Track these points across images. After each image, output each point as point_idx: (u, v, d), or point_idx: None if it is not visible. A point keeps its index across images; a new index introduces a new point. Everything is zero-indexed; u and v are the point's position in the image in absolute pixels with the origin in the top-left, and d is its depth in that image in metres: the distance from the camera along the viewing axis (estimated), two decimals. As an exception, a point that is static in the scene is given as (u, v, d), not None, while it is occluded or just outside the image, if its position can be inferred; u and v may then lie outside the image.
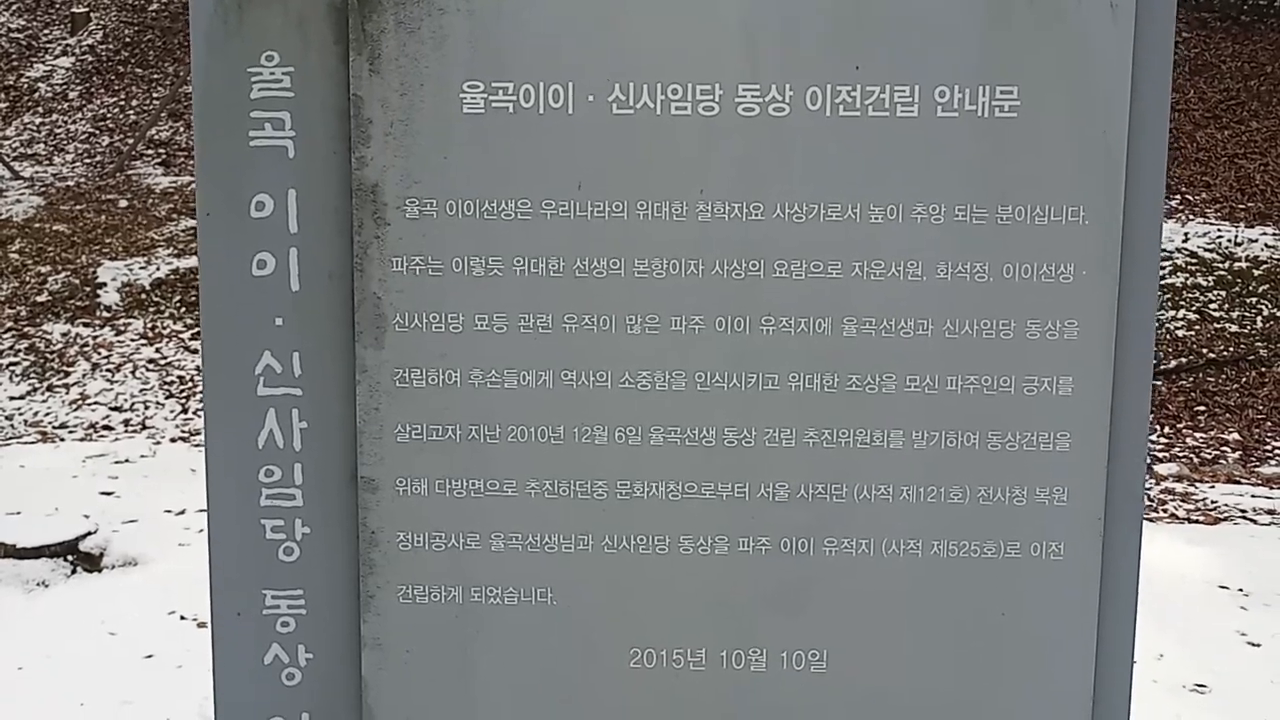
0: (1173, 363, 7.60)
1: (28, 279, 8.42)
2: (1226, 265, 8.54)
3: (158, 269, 8.55)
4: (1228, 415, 7.07)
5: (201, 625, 3.63)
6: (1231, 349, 7.75)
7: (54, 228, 9.22)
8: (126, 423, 6.78)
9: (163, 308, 8.14)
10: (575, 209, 1.29)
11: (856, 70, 1.26)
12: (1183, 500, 5.69)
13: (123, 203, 9.76)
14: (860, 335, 1.30)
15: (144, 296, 8.27)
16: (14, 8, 13.04)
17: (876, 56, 1.26)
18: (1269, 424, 6.97)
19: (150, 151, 10.85)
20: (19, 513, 4.46)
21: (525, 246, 1.29)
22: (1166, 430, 6.87)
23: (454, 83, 1.27)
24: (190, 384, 7.19)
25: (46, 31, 12.78)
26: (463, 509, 1.33)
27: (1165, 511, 5.52)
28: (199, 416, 6.53)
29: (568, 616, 1.35)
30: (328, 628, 1.37)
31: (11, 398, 7.09)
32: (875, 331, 1.30)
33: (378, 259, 1.29)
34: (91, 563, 4.22)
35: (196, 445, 5.95)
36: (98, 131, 11.31)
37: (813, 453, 1.32)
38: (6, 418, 6.83)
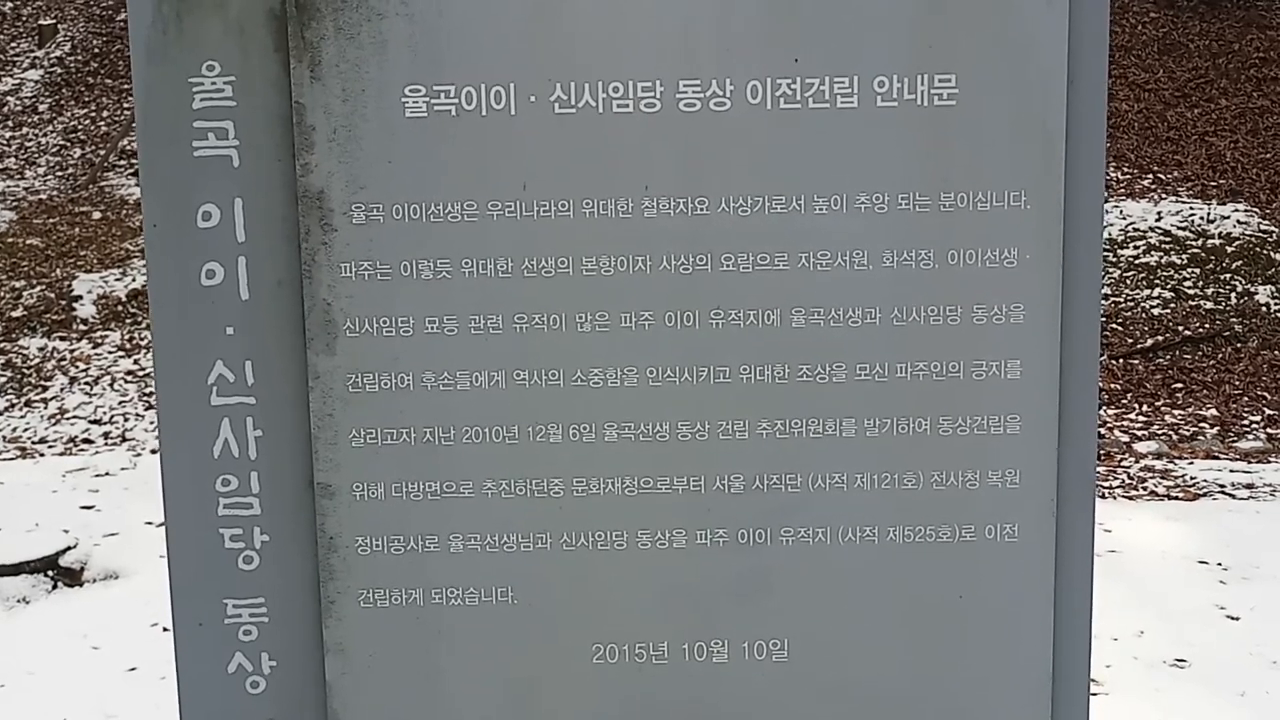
0: (1149, 341, 7.65)
1: (2, 294, 8.36)
2: (1200, 243, 8.60)
3: (134, 280, 8.50)
4: (1205, 392, 7.12)
5: (183, 636, 3.61)
6: (1207, 326, 7.81)
7: (27, 242, 9.16)
8: (106, 435, 6.75)
9: (140, 319, 8.09)
10: (521, 209, 1.29)
11: (795, 63, 1.27)
12: (1162, 477, 5.73)
13: (96, 214, 9.70)
14: (809, 326, 1.31)
15: (120, 308, 8.23)
16: (-20, 22, 12.94)
17: (815, 48, 1.27)
18: (1246, 399, 7.03)
19: (123, 162, 10.79)
20: (-2, 529, 4.44)
21: (473, 248, 1.30)
22: (1145, 408, 6.92)
23: (395, 87, 1.27)
24: (169, 395, 7.14)
25: (14, 45, 12.68)
26: (420, 511, 1.34)
27: (1145, 489, 5.57)
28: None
29: (529, 615, 1.36)
30: (290, 634, 1.37)
31: (-11, 414, 7.05)
32: (824, 321, 1.31)
33: (326, 265, 1.30)
34: (73, 577, 4.20)
35: (177, 456, 5.90)
36: (69, 144, 11.24)
37: (766, 444, 1.33)
38: (-15, 434, 6.79)
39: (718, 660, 1.37)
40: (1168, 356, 7.51)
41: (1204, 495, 5.39)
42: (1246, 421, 6.77)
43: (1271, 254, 8.44)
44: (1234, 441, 6.49)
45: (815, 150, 1.28)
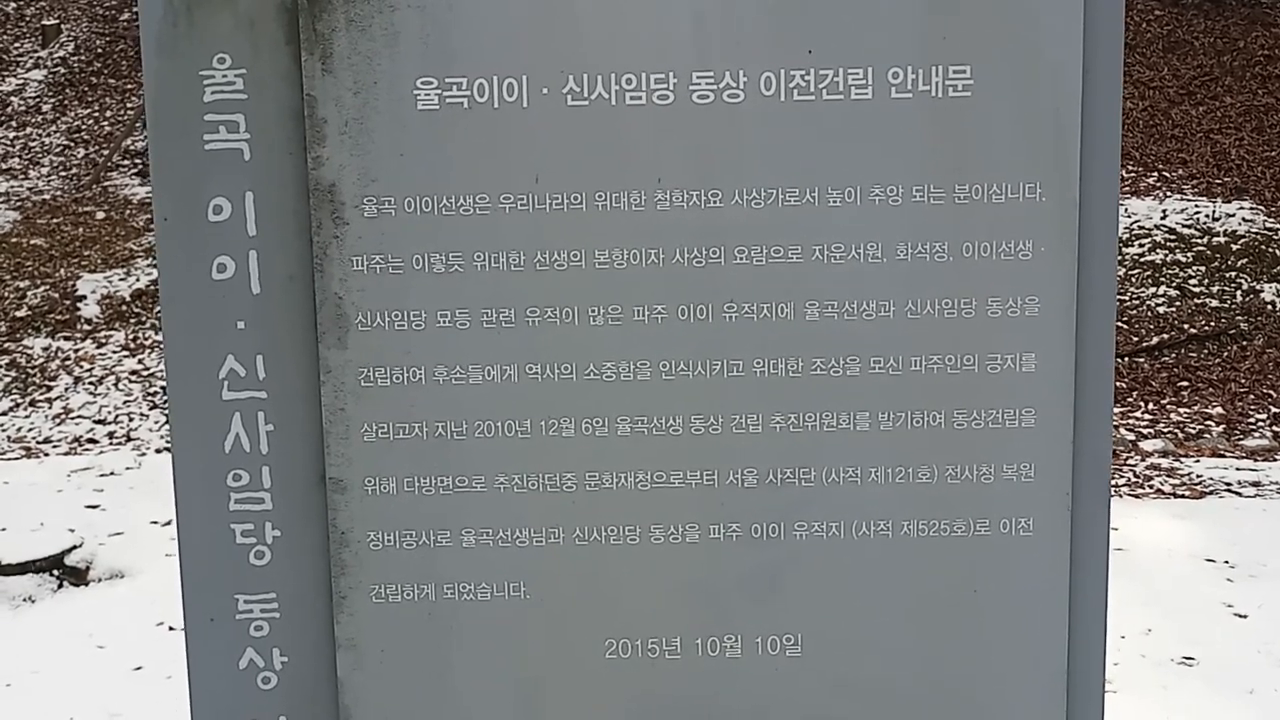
0: (1155, 339, 7.63)
1: (6, 294, 8.37)
2: (1205, 240, 8.58)
3: (137, 280, 8.51)
4: (1211, 390, 7.11)
5: (189, 635, 3.61)
6: (1212, 324, 7.79)
7: (31, 242, 9.17)
8: (111, 435, 6.75)
9: (144, 318, 8.10)
10: (534, 202, 1.29)
11: (809, 54, 1.26)
12: (1168, 475, 5.72)
13: (100, 214, 9.70)
14: (823, 319, 1.30)
15: (124, 308, 8.23)
16: (-16, 22, 12.95)
17: (829, 40, 1.26)
18: (1252, 397, 7.01)
19: (126, 162, 10.79)
20: (3, 529, 4.44)
21: (485, 241, 1.29)
22: (1151, 406, 6.90)
23: (407, 80, 1.27)
24: (174, 394, 7.14)
25: (17, 45, 12.69)
26: (432, 506, 1.33)
27: (1151, 487, 5.55)
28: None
29: (541, 610, 1.35)
30: (302, 630, 1.37)
31: (-6, 414, 7.05)
32: (837, 314, 1.30)
33: (338, 259, 1.29)
34: (78, 576, 4.20)
35: (181, 455, 5.90)
36: (73, 144, 11.25)
37: (780, 437, 1.32)
38: (-11, 434, 6.79)
39: (731, 655, 1.36)
40: (1173, 354, 7.49)
41: (1210, 493, 5.38)
42: (1252, 419, 6.75)
43: (1277, 251, 8.42)
44: (1240, 439, 6.48)
45: (829, 142, 1.28)
